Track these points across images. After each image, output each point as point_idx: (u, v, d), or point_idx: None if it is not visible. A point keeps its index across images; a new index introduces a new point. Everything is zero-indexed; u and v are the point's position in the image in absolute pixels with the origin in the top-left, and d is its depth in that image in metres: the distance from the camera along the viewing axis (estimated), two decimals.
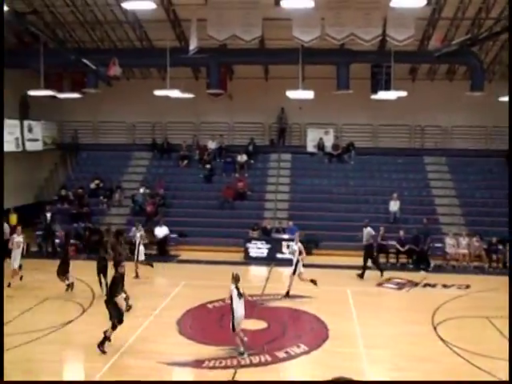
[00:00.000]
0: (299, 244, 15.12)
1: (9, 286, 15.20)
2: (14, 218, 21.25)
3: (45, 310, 13.47)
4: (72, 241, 19.52)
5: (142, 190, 22.51)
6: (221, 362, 10.49)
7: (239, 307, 10.93)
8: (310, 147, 24.95)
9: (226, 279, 16.40)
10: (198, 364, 10.42)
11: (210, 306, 14.29)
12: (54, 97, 22.46)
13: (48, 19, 22.43)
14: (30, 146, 22.92)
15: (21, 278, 15.64)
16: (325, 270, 17.49)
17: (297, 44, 19.89)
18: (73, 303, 14.06)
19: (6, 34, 22.98)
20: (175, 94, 21.26)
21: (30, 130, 23.13)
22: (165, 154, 25.39)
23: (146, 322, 12.83)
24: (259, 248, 19.30)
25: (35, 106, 25.24)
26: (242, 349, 10.83)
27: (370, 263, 17.40)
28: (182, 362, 10.55)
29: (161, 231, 19.77)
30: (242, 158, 24.26)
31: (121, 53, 22.34)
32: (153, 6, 15.02)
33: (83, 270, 15.98)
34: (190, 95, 22.63)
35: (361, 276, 17.01)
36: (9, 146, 21.46)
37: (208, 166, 23.93)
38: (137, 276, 16.56)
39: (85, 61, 20.86)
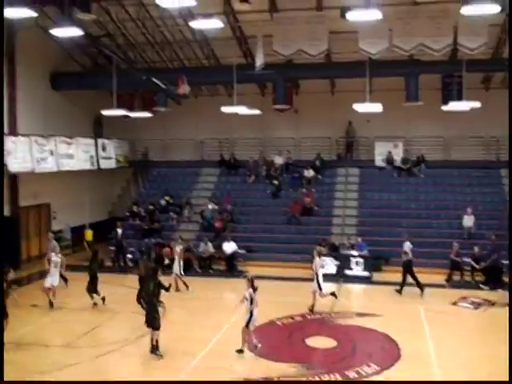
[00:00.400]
0: (317, 258, 15.18)
1: (52, 305, 15.11)
2: (89, 234, 22.06)
3: (117, 324, 13.81)
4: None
5: (210, 206, 22.77)
6: (292, 380, 10.37)
7: (255, 309, 11.81)
8: (379, 161, 24.46)
9: (295, 295, 16.40)
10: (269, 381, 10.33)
11: (278, 322, 14.19)
12: (126, 116, 23.28)
13: (120, 41, 23.37)
14: (103, 164, 23.75)
15: (103, 300, 15.32)
16: (395, 287, 16.94)
17: (363, 56, 19.68)
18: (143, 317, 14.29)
19: (82, 56, 24.18)
20: (242, 110, 21.49)
21: (104, 148, 23.99)
22: (232, 170, 25.63)
23: (215, 337, 12.90)
24: (328, 264, 18.99)
25: (108, 125, 26.25)
26: (244, 348, 11.58)
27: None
28: (254, 379, 10.49)
29: (229, 247, 19.89)
30: (309, 172, 24.10)
31: (189, 71, 22.91)
32: (220, 24, 15.33)
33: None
34: (257, 111, 22.81)
35: (399, 292, 16.50)
36: (84, 165, 22.34)
37: (275, 182, 23.93)
38: (176, 287, 16.65)
39: (155, 80, 21.51)
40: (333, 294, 15.38)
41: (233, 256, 19.74)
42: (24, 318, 14.29)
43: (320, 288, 14.58)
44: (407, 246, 16.86)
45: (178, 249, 17.40)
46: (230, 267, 19.62)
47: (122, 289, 17.00)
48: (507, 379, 10.13)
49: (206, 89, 26.42)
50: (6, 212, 20.30)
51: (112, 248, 20.66)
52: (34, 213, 22.25)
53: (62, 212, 23.23)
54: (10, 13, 13.91)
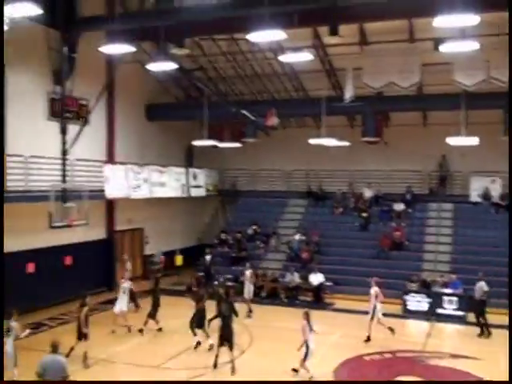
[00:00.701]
0: (376, 288, 14.99)
1: (129, 330, 15.28)
2: (179, 259, 22.61)
3: (206, 349, 13.89)
4: (230, 283, 20.15)
5: (297, 237, 22.69)
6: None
7: (312, 341, 12.04)
8: (474, 196, 23.41)
9: (383, 331, 15.83)
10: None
11: (367, 358, 13.76)
12: (216, 146, 23.90)
13: (211, 74, 24.25)
14: (194, 192, 24.41)
15: (159, 330, 15.46)
16: (496, 330, 15.91)
17: (457, 88, 19.14)
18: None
19: (176, 88, 25.23)
20: (330, 142, 21.45)
21: (195, 177, 24.69)
22: (320, 202, 25.50)
23: (302, 369, 12.65)
24: (419, 301, 18.25)
25: (199, 155, 27.06)
26: (310, 373, 11.92)
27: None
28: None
29: (316, 278, 19.64)
30: (400, 206, 23.49)
31: (278, 103, 23.29)
32: (309, 57, 15.53)
33: (241, 312, 16.31)
34: (346, 143, 22.68)
35: (480, 335, 15.60)
36: (176, 192, 23.08)
37: (364, 215, 23.52)
38: (250, 311, 17.24)
39: (244, 112, 22.00)
40: (391, 329, 14.99)
41: (319, 287, 19.47)
42: (118, 337, 14.76)
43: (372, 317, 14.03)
44: (480, 285, 16.02)
45: (248, 273, 17.74)
46: (317, 299, 19.34)
47: (210, 314, 17.14)
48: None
49: (294, 120, 26.66)
50: (103, 235, 21.29)
51: (200, 274, 20.99)
52: (128, 237, 23.18)
53: (154, 237, 24.04)
54: (112, 49, 14.88)
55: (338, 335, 15.58)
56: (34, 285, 16.52)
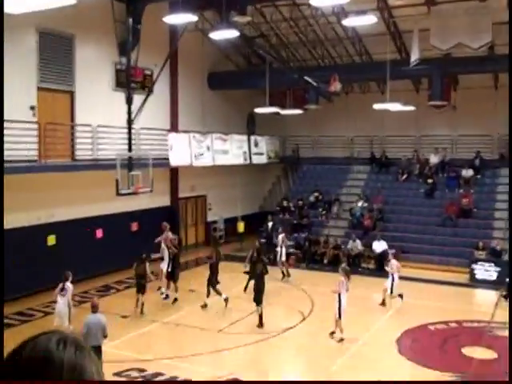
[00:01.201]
0: (393, 261, 15.36)
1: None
2: (241, 226, 22.90)
3: (267, 315, 14.12)
4: (292, 250, 20.33)
5: (359, 204, 22.41)
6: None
7: (345, 299, 12.27)
8: None
9: (448, 300, 15.55)
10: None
11: (431, 327, 13.55)
12: (278, 113, 23.74)
13: (273, 41, 23.91)
14: (255, 160, 24.45)
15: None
16: None
17: None
18: (294, 310, 14.48)
19: (237, 56, 25.12)
20: (395, 107, 20.85)
21: (256, 144, 24.70)
22: (383, 168, 24.99)
23: (364, 337, 12.68)
24: (487, 270, 17.72)
25: (261, 123, 26.99)
26: (342, 335, 12.04)
27: None
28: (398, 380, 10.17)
29: (379, 246, 19.40)
30: (468, 172, 22.65)
31: (341, 68, 22.78)
32: (374, 20, 15.00)
33: (303, 279, 16.45)
34: (411, 108, 21.99)
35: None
36: (238, 160, 23.20)
37: (429, 181, 22.86)
38: (283, 275, 17.74)
39: (307, 78, 21.65)
40: (400, 295, 15.02)
41: (383, 255, 19.22)
42: (182, 302, 15.22)
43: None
44: None
45: (281, 237, 18.13)
46: (380, 266, 19.13)
47: (271, 281, 17.33)
48: None
49: (357, 86, 26.05)
50: (167, 202, 21.81)
51: (263, 241, 21.20)
52: (191, 204, 23.65)
53: (217, 204, 24.42)
54: (175, 19, 14.95)
55: (401, 303, 15.39)
56: (102, 250, 17.20)
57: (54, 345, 1.22)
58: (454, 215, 21.05)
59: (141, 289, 13.99)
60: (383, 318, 14.20)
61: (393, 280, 15.04)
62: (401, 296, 15.11)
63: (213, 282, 14.50)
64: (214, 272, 14.67)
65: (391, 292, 15.02)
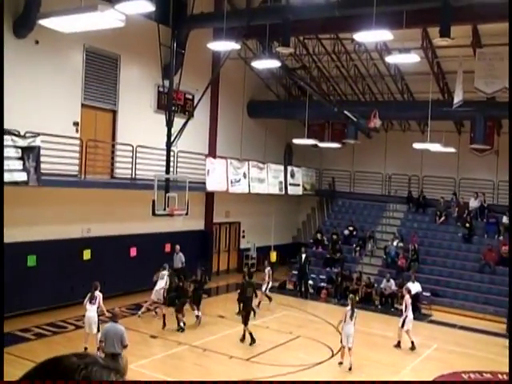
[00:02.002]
0: (406, 296, 14.98)
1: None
2: (273, 255, 22.64)
3: (296, 347, 13.76)
4: (324, 284, 19.97)
5: (395, 243, 21.93)
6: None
7: (349, 327, 12.54)
8: None
9: (482, 349, 14.91)
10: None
11: (464, 375, 12.93)
12: (316, 145, 23.64)
13: (314, 73, 24.00)
14: (291, 191, 24.27)
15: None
16: None
17: None
18: (323, 345, 14.05)
19: (277, 86, 25.24)
20: (436, 147, 20.55)
21: (293, 175, 24.56)
22: (420, 209, 24.50)
23: (393, 377, 12.19)
24: None
25: (298, 154, 26.94)
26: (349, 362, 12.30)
27: None
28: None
29: (413, 287, 18.80)
30: (508, 219, 22.00)
31: (381, 105, 22.64)
32: (417, 58, 14.89)
33: (333, 314, 16.01)
34: (452, 149, 21.63)
35: None
36: (273, 189, 23.06)
37: (468, 225, 22.29)
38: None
39: (346, 113, 21.56)
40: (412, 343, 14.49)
41: (416, 297, 18.64)
42: (211, 327, 14.98)
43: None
44: None
45: (267, 270, 18.17)
46: (413, 308, 18.51)
47: (302, 314, 17.04)
48: None
49: (397, 123, 25.84)
50: (201, 226, 21.77)
51: (295, 272, 20.89)
52: (225, 230, 23.56)
53: (250, 232, 24.27)
54: (219, 46, 15.16)
55: (433, 348, 14.83)
56: (135, 268, 17.19)
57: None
58: (493, 262, 20.38)
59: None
60: (414, 362, 13.67)
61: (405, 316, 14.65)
62: (412, 344, 14.51)
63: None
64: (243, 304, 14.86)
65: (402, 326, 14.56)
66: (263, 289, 17.85)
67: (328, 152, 25.85)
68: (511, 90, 14.44)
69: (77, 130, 15.98)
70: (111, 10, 8.01)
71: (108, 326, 9.93)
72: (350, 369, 12.33)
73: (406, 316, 14.55)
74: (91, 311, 11.98)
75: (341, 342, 12.67)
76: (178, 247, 18.02)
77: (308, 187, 25.82)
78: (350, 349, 12.48)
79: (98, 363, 1.21)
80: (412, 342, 14.49)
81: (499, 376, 13.11)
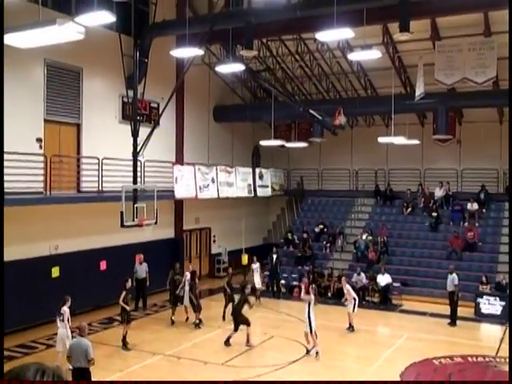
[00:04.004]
0: (347, 286, 16.00)
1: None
2: (245, 258, 22.82)
3: (271, 348, 13.99)
4: (295, 283, 20.24)
5: (364, 237, 22.36)
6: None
7: (313, 314, 13.19)
8: None
9: (453, 334, 15.36)
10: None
11: (436, 361, 13.34)
12: (283, 146, 23.90)
13: (278, 75, 24.26)
14: (260, 192, 24.46)
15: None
16: None
17: None
18: (298, 344, 14.29)
19: (243, 90, 25.47)
20: (400, 140, 20.97)
21: (261, 177, 24.78)
22: (388, 201, 24.99)
23: (367, 371, 12.50)
24: (492, 304, 17.54)
25: (266, 155, 27.19)
26: (315, 349, 13.02)
27: None
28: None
29: (383, 279, 19.26)
30: (473, 206, 22.62)
31: (346, 102, 22.99)
32: (378, 54, 15.25)
33: None
34: (416, 141, 22.12)
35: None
36: (242, 192, 23.24)
37: (434, 214, 22.83)
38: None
39: (312, 112, 21.86)
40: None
41: (387, 288, 19.09)
42: (185, 334, 15.11)
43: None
44: (452, 278, 16.87)
45: (255, 266, 18.48)
46: (384, 300, 18.98)
47: (274, 313, 17.27)
48: None
49: (362, 119, 26.28)
50: (171, 234, 21.84)
51: (266, 273, 21.11)
52: (196, 236, 23.66)
53: (221, 236, 24.43)
54: (182, 53, 15.29)
55: (405, 337, 15.22)
56: (106, 281, 17.12)
57: (32, 374, 1.27)
58: (459, 249, 20.94)
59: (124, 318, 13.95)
60: (387, 352, 14.02)
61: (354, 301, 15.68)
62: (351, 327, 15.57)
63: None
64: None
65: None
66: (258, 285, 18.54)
67: (295, 152, 26.16)
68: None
69: (40, 147, 15.90)
70: (70, 23, 7.89)
71: (73, 341, 9.94)
72: (307, 352, 13.18)
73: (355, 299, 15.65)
74: (60, 328, 12.00)
75: (311, 330, 13.14)
76: (141, 257, 17.92)
77: (277, 188, 26.07)
78: (307, 334, 13.19)
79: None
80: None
81: (469, 359, 13.57)
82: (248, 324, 13.97)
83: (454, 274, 16.95)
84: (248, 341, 14.00)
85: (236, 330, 13.98)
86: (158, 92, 19.63)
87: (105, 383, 11.03)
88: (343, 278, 16.86)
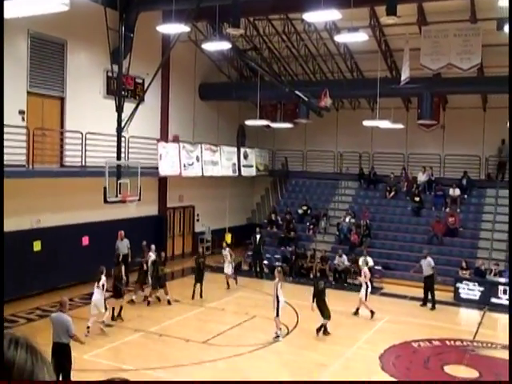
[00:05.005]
0: (365, 269, 15.97)
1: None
2: (228, 237, 22.86)
3: (253, 327, 14.04)
4: (278, 263, 20.32)
5: (347, 219, 22.48)
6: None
7: (282, 296, 13.02)
8: None
9: (433, 318, 15.60)
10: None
11: (414, 344, 13.55)
12: (268, 126, 23.80)
13: (265, 54, 24.06)
14: (244, 172, 24.44)
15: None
16: None
17: None
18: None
19: (229, 68, 25.23)
20: (385, 124, 21.01)
21: (246, 156, 24.71)
22: (371, 185, 25.12)
23: (347, 352, 12.65)
24: (471, 289, 17.81)
25: (251, 135, 27.08)
26: (279, 332, 13.07)
27: None
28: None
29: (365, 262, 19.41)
30: (455, 191, 22.82)
31: (332, 84, 22.91)
32: (365, 37, 15.17)
33: (289, 293, 16.34)
34: (400, 125, 22.19)
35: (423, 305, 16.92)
36: (227, 171, 23.19)
37: (417, 199, 23.01)
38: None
39: (297, 93, 21.76)
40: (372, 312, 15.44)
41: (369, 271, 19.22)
42: (167, 312, 15.11)
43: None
44: (427, 262, 17.14)
45: (225, 252, 18.59)
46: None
47: (257, 293, 17.33)
48: None
49: (347, 102, 26.24)
50: (155, 211, 21.72)
51: (249, 253, 21.16)
52: (179, 214, 23.57)
53: (205, 215, 24.37)
54: (168, 29, 15.02)
55: (385, 320, 15.40)
56: (88, 257, 16.96)
57: (6, 344, 1.25)
58: (441, 234, 21.17)
59: (118, 293, 14.07)
60: (367, 334, 14.18)
61: (367, 288, 15.53)
62: (372, 312, 15.40)
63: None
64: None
65: (366, 299, 15.43)
66: (229, 272, 18.26)
67: (280, 132, 26.07)
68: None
69: (23, 119, 15.61)
70: None
71: (53, 316, 9.75)
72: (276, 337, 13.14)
73: (368, 287, 15.53)
74: (96, 293, 12.91)
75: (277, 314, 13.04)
76: (122, 233, 17.66)
77: (261, 168, 26.03)
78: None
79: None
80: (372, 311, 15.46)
81: (447, 343, 13.80)
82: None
83: (429, 258, 17.22)
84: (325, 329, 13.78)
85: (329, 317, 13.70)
86: (143, 68, 19.33)
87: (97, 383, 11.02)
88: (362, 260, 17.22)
